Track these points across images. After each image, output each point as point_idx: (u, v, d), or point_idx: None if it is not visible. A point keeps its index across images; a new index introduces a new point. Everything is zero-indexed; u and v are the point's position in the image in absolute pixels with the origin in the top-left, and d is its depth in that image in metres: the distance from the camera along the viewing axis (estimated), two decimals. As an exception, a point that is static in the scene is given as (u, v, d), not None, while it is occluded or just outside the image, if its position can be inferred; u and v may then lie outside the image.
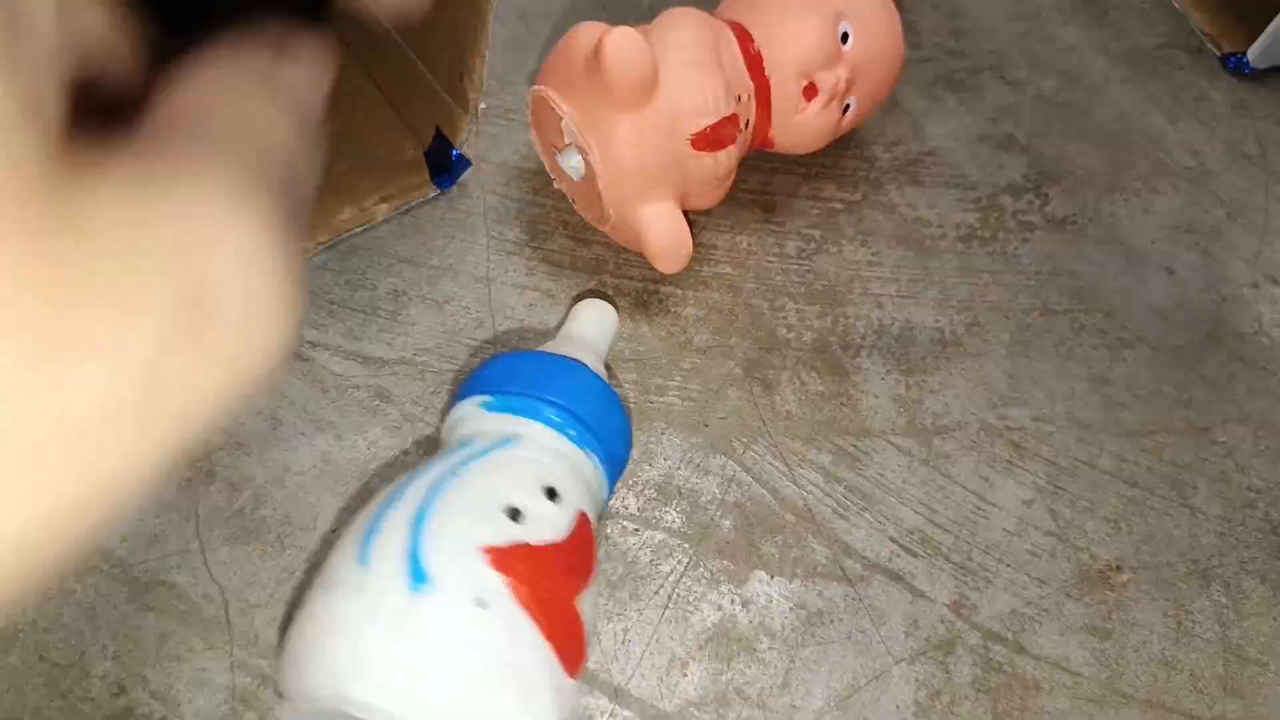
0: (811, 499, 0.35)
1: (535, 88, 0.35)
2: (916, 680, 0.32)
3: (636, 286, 0.39)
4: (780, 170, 0.43)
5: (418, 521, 0.24)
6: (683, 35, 0.34)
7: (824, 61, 0.36)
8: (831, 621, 0.33)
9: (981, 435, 0.37)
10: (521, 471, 0.27)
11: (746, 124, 0.36)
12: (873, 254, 0.41)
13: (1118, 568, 0.35)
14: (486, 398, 0.29)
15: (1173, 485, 0.37)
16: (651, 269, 0.40)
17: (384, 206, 0.39)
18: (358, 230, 0.39)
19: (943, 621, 0.33)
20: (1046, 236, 0.43)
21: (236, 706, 0.29)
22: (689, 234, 0.36)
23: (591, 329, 0.35)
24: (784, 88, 0.36)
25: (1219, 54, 0.50)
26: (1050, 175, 0.45)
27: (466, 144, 0.40)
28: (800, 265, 0.41)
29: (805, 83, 0.36)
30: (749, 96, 0.36)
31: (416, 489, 0.25)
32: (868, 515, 0.35)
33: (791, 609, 0.33)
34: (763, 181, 0.43)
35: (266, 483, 0.33)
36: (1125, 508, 0.36)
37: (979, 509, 0.36)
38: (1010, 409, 0.38)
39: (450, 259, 0.39)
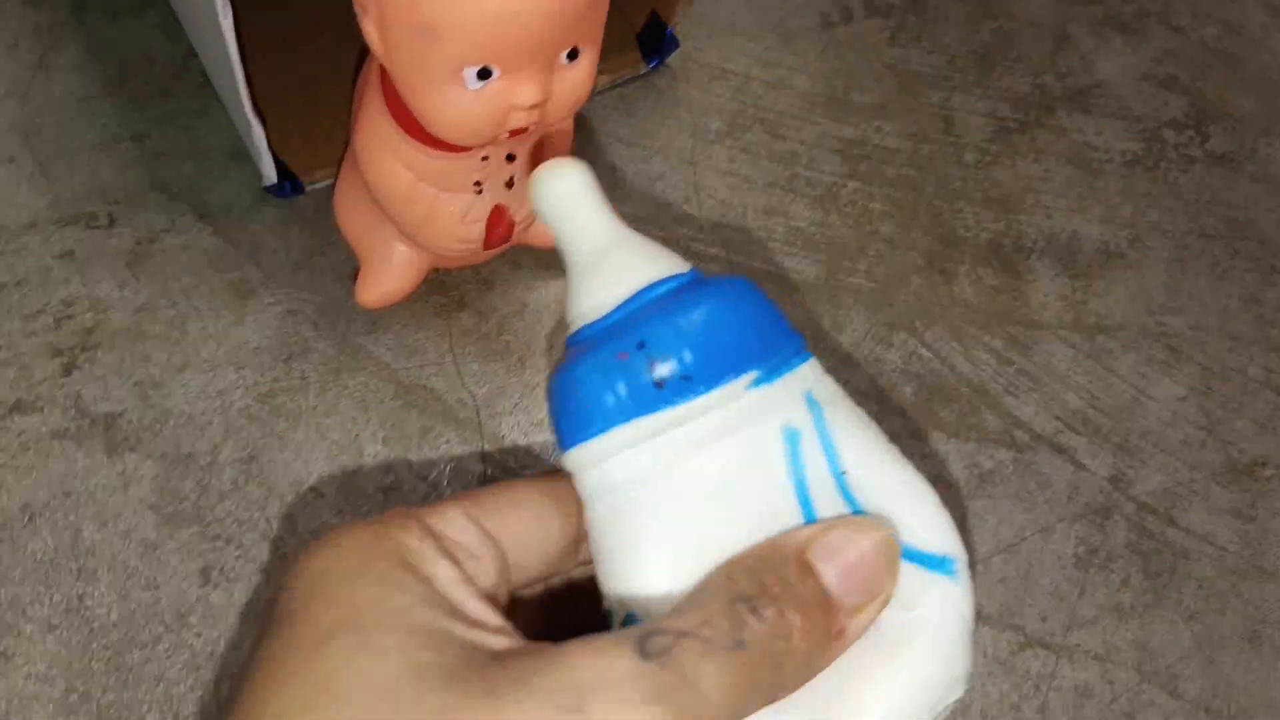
0: (985, 376, 0.39)
1: None
2: (1077, 537, 0.36)
3: (828, 180, 0.43)
4: (959, 89, 0.47)
5: None
6: None
7: None
8: (1000, 481, 0.37)
9: (1141, 337, 0.40)
10: None
11: None
12: (1044, 170, 0.45)
13: (1263, 464, 0.38)
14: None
15: (1317, 397, 0.40)
16: (848, 163, 0.44)
17: (603, 78, 0.43)
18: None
19: (1101, 491, 0.37)
20: (1206, 170, 0.46)
21: (486, 494, 0.34)
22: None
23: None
24: None
25: (1377, 18, 0.52)
26: (1210, 115, 0.48)
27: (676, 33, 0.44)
28: (977, 174, 0.44)
29: None
30: None
31: None
32: (1035, 395, 0.39)
33: (965, 467, 0.37)
34: (943, 98, 0.46)
35: (509, 314, 0.37)
36: (1272, 413, 0.39)
37: (1137, 400, 0.39)
38: (1168, 316, 0.41)
39: (660, 143, 0.43)
